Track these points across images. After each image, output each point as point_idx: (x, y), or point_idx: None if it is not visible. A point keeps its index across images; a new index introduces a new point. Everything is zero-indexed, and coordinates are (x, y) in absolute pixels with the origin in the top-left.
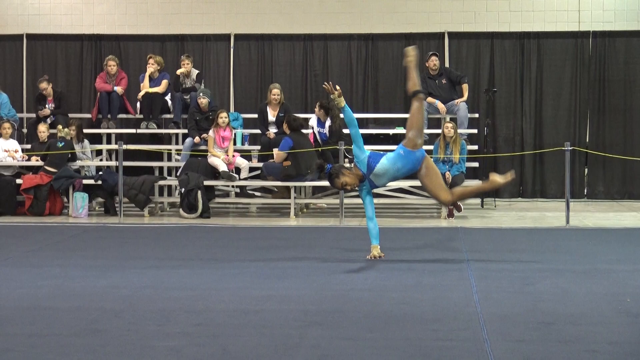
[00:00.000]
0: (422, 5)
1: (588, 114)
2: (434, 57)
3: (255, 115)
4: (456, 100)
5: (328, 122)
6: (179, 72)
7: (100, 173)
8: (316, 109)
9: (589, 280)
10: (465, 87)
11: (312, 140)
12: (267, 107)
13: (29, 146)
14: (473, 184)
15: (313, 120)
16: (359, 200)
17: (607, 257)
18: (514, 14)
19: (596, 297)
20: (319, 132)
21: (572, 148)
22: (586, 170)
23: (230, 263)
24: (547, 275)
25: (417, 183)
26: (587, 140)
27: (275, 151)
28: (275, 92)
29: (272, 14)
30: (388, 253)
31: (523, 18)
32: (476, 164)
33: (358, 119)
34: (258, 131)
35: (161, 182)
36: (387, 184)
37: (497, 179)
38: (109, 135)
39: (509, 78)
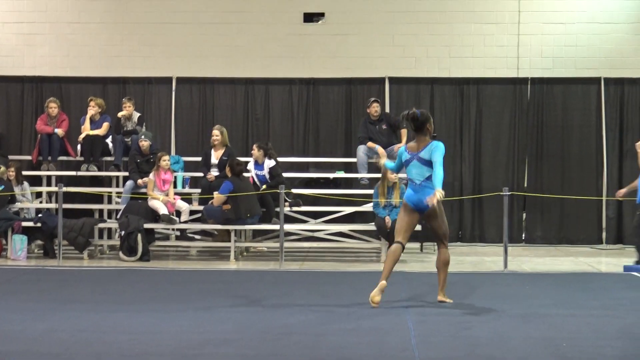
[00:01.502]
0: (363, 50)
1: (526, 159)
2: (375, 104)
3: (197, 159)
4: (395, 146)
5: (268, 164)
6: (120, 114)
7: (40, 215)
8: (254, 151)
9: (526, 325)
10: (404, 132)
11: (253, 183)
12: (212, 149)
13: None
14: None
15: (251, 163)
16: (299, 244)
17: (543, 301)
18: (454, 60)
19: (533, 342)
20: (256, 174)
21: (510, 193)
22: (524, 215)
23: (169, 306)
24: (484, 319)
25: (357, 227)
26: (526, 185)
27: (216, 194)
28: (214, 132)
29: (214, 58)
30: (328, 297)
31: (463, 64)
32: None
33: (298, 163)
34: (199, 174)
35: (101, 225)
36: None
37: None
38: (49, 177)
39: (448, 123)
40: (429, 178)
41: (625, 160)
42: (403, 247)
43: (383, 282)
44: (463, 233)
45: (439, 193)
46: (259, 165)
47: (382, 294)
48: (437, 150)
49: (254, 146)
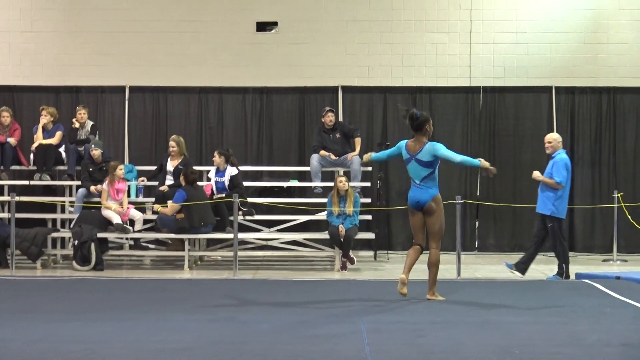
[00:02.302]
0: (317, 59)
1: (478, 168)
2: (330, 113)
3: (150, 167)
4: (349, 155)
5: (230, 171)
6: (73, 123)
7: None
8: (215, 158)
9: (479, 332)
10: (357, 140)
11: (209, 191)
12: (168, 158)
13: None
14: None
15: (212, 171)
16: (253, 253)
17: (497, 309)
18: (406, 69)
19: (487, 349)
20: (215, 182)
21: (463, 201)
22: (477, 223)
23: (123, 316)
24: (438, 327)
25: (311, 236)
26: (478, 194)
27: (169, 203)
28: (171, 143)
29: (167, 67)
30: (282, 306)
31: (415, 73)
32: (369, 217)
33: (251, 172)
34: (153, 183)
35: (54, 234)
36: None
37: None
38: (1, 186)
39: (401, 132)
40: (426, 178)
41: (577, 169)
42: (422, 248)
43: (402, 276)
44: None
45: (484, 163)
46: (220, 172)
47: (406, 286)
48: (439, 150)
49: (215, 153)
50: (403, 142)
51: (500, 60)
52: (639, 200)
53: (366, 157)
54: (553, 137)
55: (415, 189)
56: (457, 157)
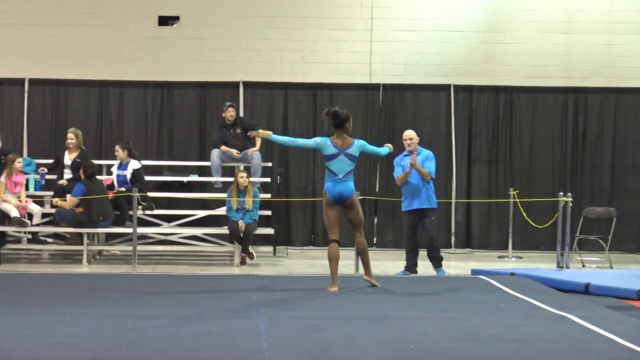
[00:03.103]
0: (218, 54)
1: (377, 164)
2: (231, 108)
3: (49, 161)
4: (249, 150)
5: (133, 165)
6: None
7: None
8: (118, 152)
9: (376, 327)
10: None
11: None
12: (66, 151)
13: None
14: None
15: (115, 165)
16: (153, 247)
17: (393, 304)
18: (307, 66)
19: (382, 344)
20: (117, 176)
21: (362, 197)
22: (376, 219)
23: (20, 310)
24: (335, 322)
25: (211, 231)
26: (377, 190)
27: (68, 197)
28: (69, 136)
29: (68, 60)
30: (180, 301)
31: (316, 69)
32: (269, 213)
33: (152, 166)
34: (52, 177)
35: None
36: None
37: None
38: None
39: (302, 128)
40: (349, 173)
41: (474, 166)
42: (339, 243)
43: (335, 289)
44: (315, 237)
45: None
46: (122, 165)
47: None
48: (366, 146)
49: (117, 147)
50: (325, 138)
51: (400, 58)
52: (534, 198)
53: (265, 133)
54: (414, 133)
55: (338, 183)
56: (382, 150)
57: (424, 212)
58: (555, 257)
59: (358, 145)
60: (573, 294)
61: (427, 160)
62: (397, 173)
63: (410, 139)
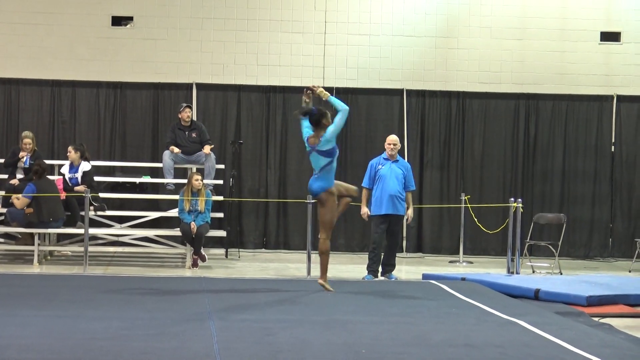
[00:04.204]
0: (171, 56)
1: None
2: (187, 109)
3: None
4: (205, 148)
5: (84, 167)
6: None
7: None
8: (70, 153)
9: (327, 331)
10: (207, 148)
11: (62, 186)
12: (21, 152)
13: None
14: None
15: (65, 166)
16: (104, 249)
17: (345, 308)
18: (261, 68)
19: (333, 348)
20: (69, 178)
21: (314, 201)
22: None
23: None
24: (287, 325)
25: (163, 232)
26: None
27: (19, 196)
28: (26, 141)
29: (20, 59)
30: (132, 303)
31: (270, 72)
32: (221, 214)
33: (104, 167)
34: (3, 176)
35: None
36: None
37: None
38: None
39: (255, 130)
40: (323, 169)
41: (426, 171)
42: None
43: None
44: (267, 239)
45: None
46: (73, 167)
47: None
48: (327, 132)
49: (70, 148)
50: (306, 135)
51: (353, 62)
52: (486, 203)
53: (325, 93)
54: (397, 139)
55: (313, 178)
56: (338, 115)
57: (395, 218)
58: (505, 263)
59: (325, 137)
60: (523, 300)
61: (408, 173)
62: (368, 179)
63: (395, 145)
